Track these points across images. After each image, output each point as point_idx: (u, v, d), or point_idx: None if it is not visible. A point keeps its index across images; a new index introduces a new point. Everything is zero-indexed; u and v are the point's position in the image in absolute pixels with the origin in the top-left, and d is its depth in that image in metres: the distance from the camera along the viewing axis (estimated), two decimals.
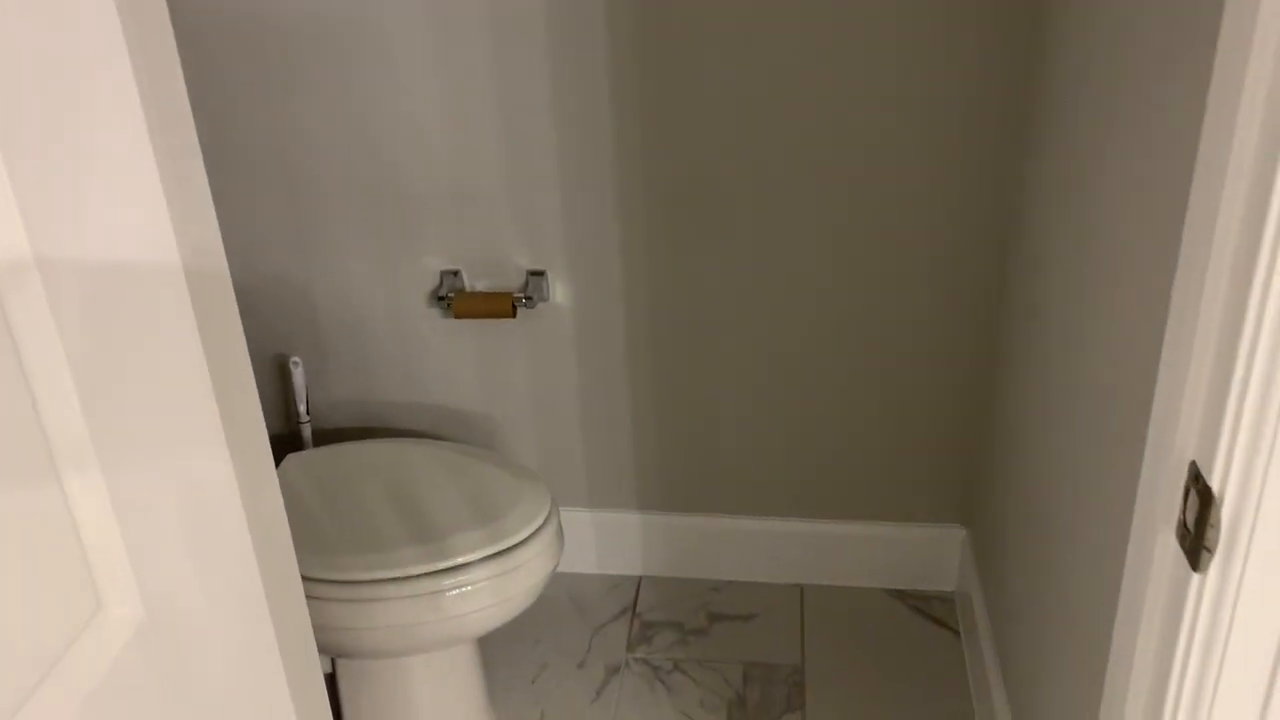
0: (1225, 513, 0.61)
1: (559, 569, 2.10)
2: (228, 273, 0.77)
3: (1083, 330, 1.22)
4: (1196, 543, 0.63)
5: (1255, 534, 0.60)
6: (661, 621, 2.00)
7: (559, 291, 1.87)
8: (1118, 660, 0.78)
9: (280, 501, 0.86)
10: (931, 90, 1.63)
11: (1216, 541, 0.62)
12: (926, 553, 2.03)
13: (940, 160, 1.68)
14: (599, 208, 1.79)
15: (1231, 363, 0.58)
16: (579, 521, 2.07)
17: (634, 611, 2.03)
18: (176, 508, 0.69)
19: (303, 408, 1.95)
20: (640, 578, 2.11)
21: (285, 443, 2.03)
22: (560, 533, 1.63)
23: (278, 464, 1.74)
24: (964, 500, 1.98)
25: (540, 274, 1.85)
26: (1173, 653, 0.67)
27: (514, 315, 1.82)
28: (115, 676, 0.60)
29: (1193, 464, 0.64)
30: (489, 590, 1.51)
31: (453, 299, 1.83)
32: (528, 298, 1.82)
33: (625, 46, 1.66)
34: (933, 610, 2.01)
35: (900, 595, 2.05)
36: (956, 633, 1.95)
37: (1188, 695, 0.67)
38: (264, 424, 0.84)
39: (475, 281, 1.87)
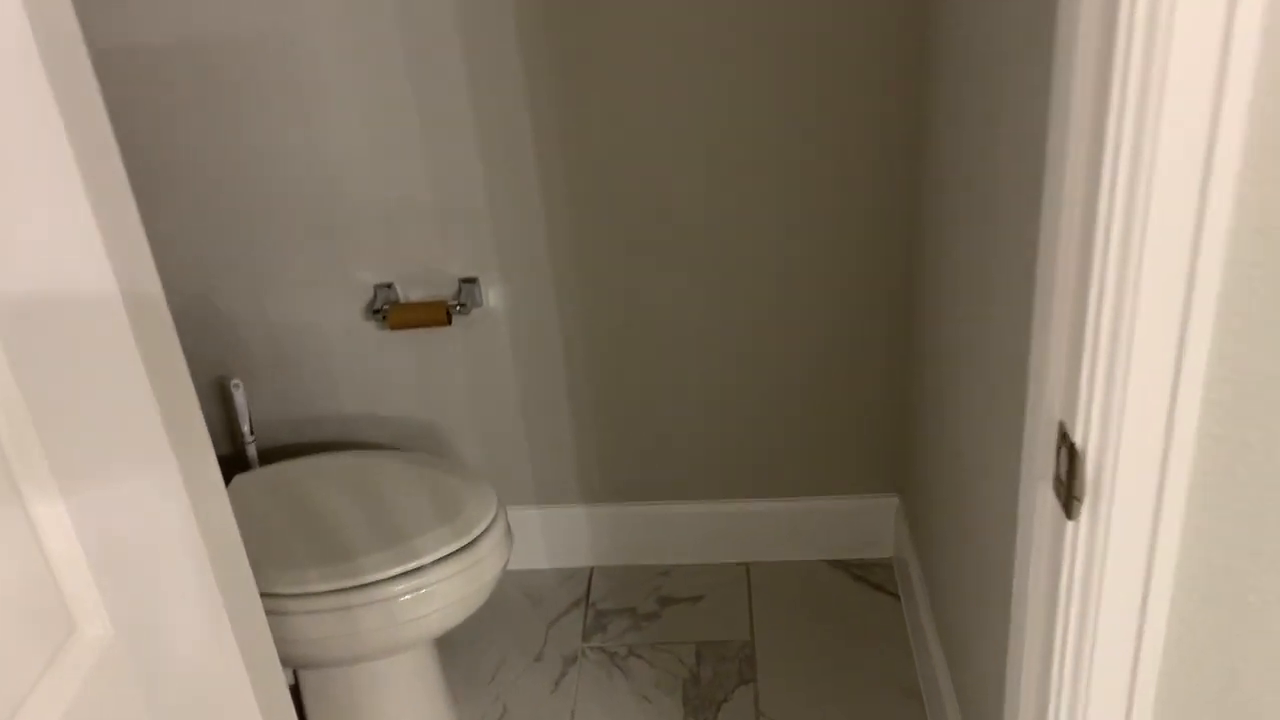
0: (1089, 465, 0.69)
1: (511, 567, 2.16)
2: (163, 298, 0.81)
3: (982, 306, 1.30)
4: (1069, 494, 0.71)
5: (1116, 483, 0.68)
6: (614, 609, 2.07)
7: (493, 296, 1.92)
8: (1017, 607, 0.85)
9: (231, 516, 0.90)
10: (841, 82, 1.71)
11: (1084, 491, 0.70)
12: (864, 522, 2.12)
13: (850, 150, 1.76)
14: (525, 211, 1.84)
15: (1082, 334, 0.66)
16: (528, 519, 2.13)
17: (587, 602, 2.09)
18: (134, 528, 0.73)
19: (246, 428, 1.98)
20: (591, 569, 2.17)
21: (232, 464, 2.05)
22: (509, 528, 1.68)
23: (226, 484, 1.77)
24: (895, 470, 2.06)
25: (473, 281, 1.89)
26: (1057, 594, 0.75)
27: (449, 323, 1.86)
28: (89, 695, 0.65)
29: (1061, 423, 0.72)
30: (450, 588, 1.56)
31: (388, 311, 1.87)
32: (461, 304, 1.87)
33: (540, 52, 1.71)
34: (873, 577, 2.10)
35: (842, 565, 2.14)
36: (896, 597, 2.04)
37: (1073, 632, 0.75)
38: (210, 442, 0.88)
39: (409, 292, 1.91)
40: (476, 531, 1.59)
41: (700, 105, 1.74)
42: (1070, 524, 0.72)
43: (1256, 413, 0.67)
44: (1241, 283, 0.64)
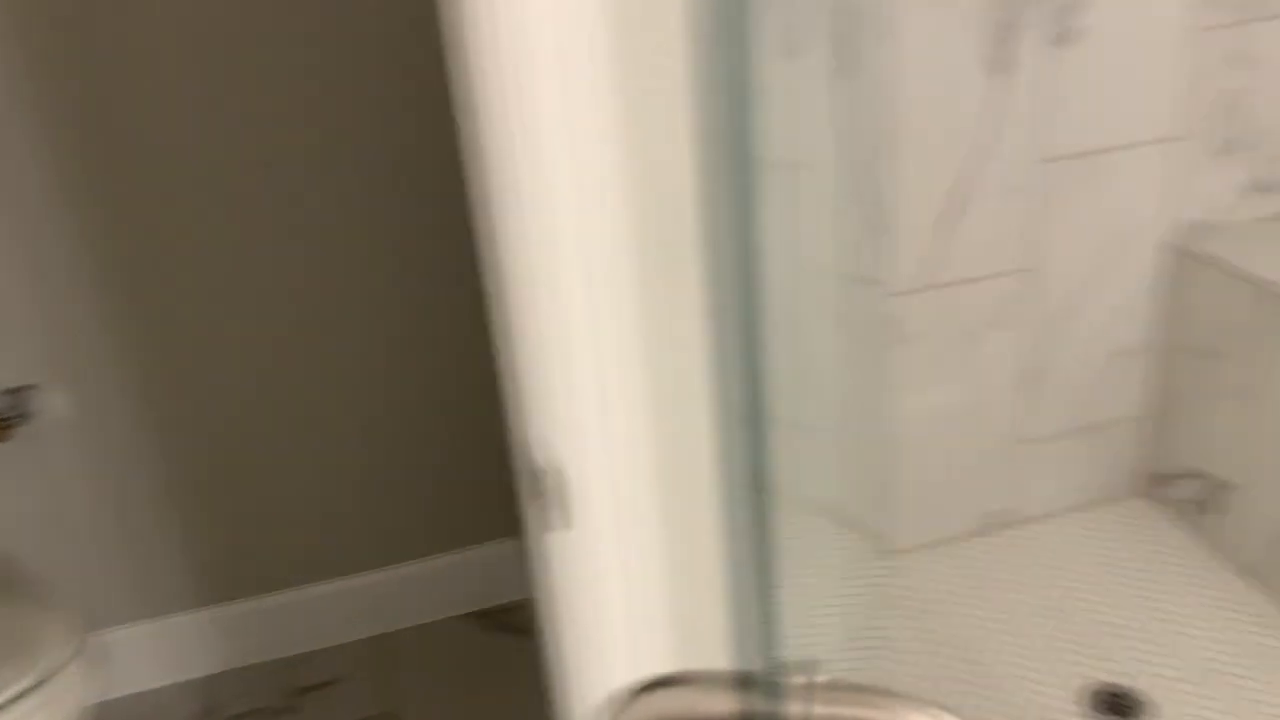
0: (557, 482, 0.76)
1: (122, 691, 1.99)
2: None
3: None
4: (545, 508, 0.78)
5: (574, 494, 0.76)
6: (245, 712, 1.96)
7: (55, 403, 1.77)
8: (542, 617, 0.91)
9: None
10: (388, 131, 1.76)
11: (553, 505, 0.77)
12: (493, 570, 2.16)
13: (404, 224, 1.81)
14: (81, 308, 1.72)
15: (515, 374, 0.72)
16: (135, 636, 1.97)
17: (213, 711, 1.97)
18: None
19: None
20: (215, 675, 2.05)
21: None
22: (98, 655, 1.56)
23: None
24: (505, 516, 2.12)
25: (25, 390, 1.74)
26: (556, 601, 0.81)
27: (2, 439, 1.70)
28: None
29: (532, 445, 0.78)
30: None
31: None
32: (16, 417, 1.71)
33: (71, 137, 1.62)
34: (510, 621, 2.14)
35: (479, 616, 2.16)
36: (533, 635, 2.10)
37: (571, 636, 0.81)
38: None
39: None
40: (52, 664, 1.45)
41: (257, 179, 1.72)
42: (553, 535, 0.78)
43: (680, 410, 0.77)
44: (639, 300, 0.73)
